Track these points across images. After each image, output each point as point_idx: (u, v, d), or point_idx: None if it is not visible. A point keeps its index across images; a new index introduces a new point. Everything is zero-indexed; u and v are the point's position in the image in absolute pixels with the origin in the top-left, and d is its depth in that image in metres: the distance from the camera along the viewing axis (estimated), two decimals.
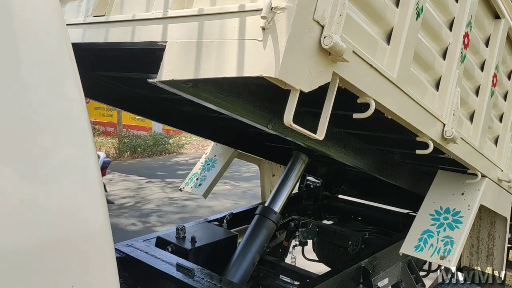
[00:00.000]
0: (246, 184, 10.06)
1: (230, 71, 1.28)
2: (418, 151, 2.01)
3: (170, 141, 16.30)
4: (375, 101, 1.55)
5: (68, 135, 1.15)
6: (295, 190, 4.35)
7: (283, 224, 3.55)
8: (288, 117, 1.26)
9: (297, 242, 3.63)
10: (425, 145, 2.00)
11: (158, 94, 2.83)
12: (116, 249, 2.58)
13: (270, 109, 1.89)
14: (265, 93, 1.84)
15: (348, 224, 4.19)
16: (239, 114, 1.78)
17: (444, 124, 2.04)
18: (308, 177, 4.54)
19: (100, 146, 14.75)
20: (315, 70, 1.29)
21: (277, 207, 2.94)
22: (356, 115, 1.56)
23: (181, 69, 1.41)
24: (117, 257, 2.77)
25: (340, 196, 4.48)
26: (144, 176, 11.33)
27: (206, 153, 3.97)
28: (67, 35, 1.16)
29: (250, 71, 1.23)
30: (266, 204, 2.98)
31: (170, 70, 1.44)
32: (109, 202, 7.71)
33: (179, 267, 2.32)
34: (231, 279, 2.54)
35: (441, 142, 2.05)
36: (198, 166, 3.88)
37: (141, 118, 18.67)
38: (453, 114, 2.07)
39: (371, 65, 1.50)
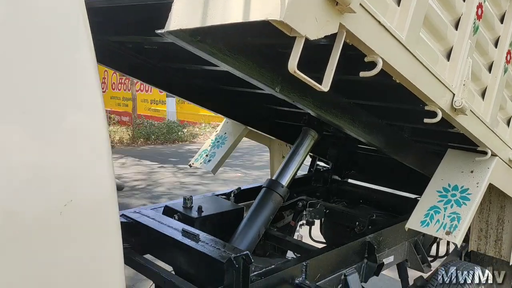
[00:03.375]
0: (257, 172, 10.08)
1: (236, 17, 1.28)
2: (426, 120, 1.99)
3: (184, 130, 16.38)
4: (383, 60, 1.54)
5: (78, 99, 1.17)
6: (305, 172, 4.37)
7: (291, 204, 3.56)
8: (292, 63, 1.26)
9: (304, 221, 3.63)
10: (433, 115, 1.99)
11: (170, 64, 2.85)
12: (124, 215, 2.62)
13: (279, 72, 1.89)
14: (274, 55, 1.84)
15: (357, 208, 4.17)
16: (246, 73, 1.78)
17: (454, 94, 2.02)
18: (318, 162, 4.54)
19: (115, 133, 14.89)
20: (322, 19, 1.29)
21: (285, 181, 2.94)
22: (362, 73, 1.55)
23: (189, 18, 1.42)
24: (124, 223, 2.80)
25: (349, 180, 4.46)
26: (156, 161, 11.42)
27: (216, 131, 3.99)
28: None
29: (255, 16, 1.24)
30: (273, 178, 2.98)
31: (178, 20, 1.44)
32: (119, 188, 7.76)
33: (184, 232, 2.35)
34: None
35: (450, 112, 2.03)
36: (208, 143, 3.91)
37: (156, 108, 18.83)
38: (464, 85, 2.05)
39: (379, 22, 1.49)
